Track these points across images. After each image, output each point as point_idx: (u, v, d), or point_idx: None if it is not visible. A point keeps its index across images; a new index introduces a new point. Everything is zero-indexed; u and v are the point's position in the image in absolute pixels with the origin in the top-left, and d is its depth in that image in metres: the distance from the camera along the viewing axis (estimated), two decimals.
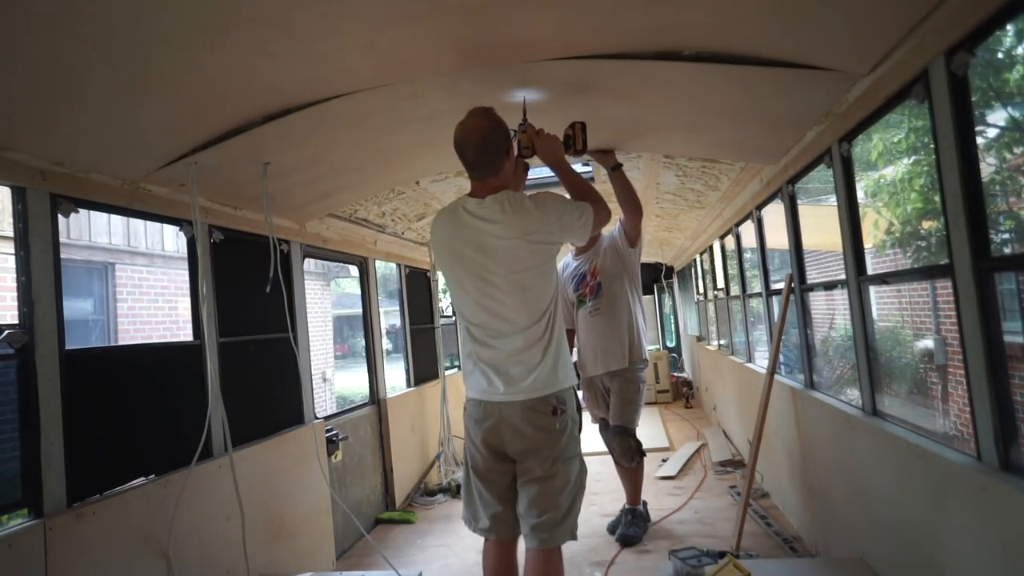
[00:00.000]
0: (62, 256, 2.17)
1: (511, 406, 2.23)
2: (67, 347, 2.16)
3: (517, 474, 2.30)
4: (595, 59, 2.13)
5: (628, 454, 3.70)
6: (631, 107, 2.72)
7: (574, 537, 2.28)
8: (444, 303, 6.70)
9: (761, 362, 4.68)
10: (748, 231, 4.50)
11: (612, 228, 3.76)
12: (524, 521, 2.25)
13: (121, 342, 7.36)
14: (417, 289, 5.77)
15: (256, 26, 1.67)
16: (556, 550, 2.24)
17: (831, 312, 8.70)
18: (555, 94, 2.50)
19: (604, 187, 4.40)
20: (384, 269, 7.73)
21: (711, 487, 4.69)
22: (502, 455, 2.30)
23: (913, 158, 5.86)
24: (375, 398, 4.74)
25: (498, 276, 2.22)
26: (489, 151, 2.20)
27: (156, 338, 7.88)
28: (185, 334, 2.96)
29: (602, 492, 4.68)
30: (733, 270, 5.40)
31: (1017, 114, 4.81)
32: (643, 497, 3.94)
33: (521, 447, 2.24)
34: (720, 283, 6.16)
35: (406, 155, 3.22)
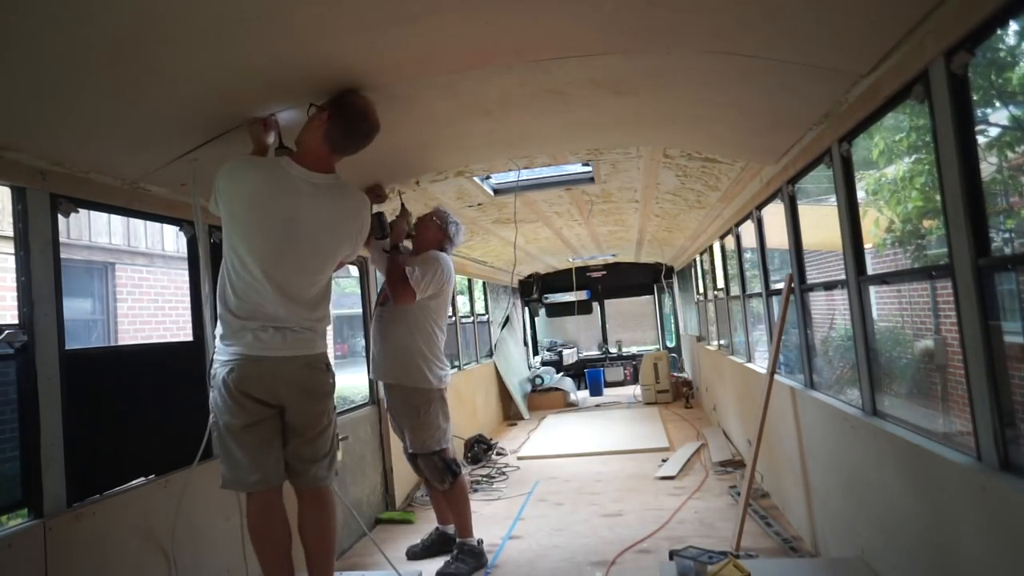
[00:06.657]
0: (62, 256, 2.17)
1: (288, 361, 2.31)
2: (67, 347, 2.16)
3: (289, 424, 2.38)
4: (594, 57, 2.13)
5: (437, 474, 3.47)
6: (630, 101, 2.71)
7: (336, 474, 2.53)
8: None
9: (761, 362, 4.67)
10: (748, 231, 4.50)
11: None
12: (303, 465, 2.41)
13: (121, 342, 7.36)
14: None
15: (255, 26, 1.67)
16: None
17: (831, 312, 8.69)
18: (554, 92, 2.49)
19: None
20: None
21: (711, 487, 4.69)
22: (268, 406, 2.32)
23: (914, 156, 5.85)
24: (375, 398, 4.73)
25: (304, 243, 2.32)
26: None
27: (156, 338, 7.88)
28: (185, 334, 2.96)
29: (602, 492, 4.68)
30: (733, 270, 5.39)
31: (1017, 113, 4.81)
32: (642, 496, 3.90)
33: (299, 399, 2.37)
34: (720, 283, 6.15)
35: (405, 155, 3.22)
